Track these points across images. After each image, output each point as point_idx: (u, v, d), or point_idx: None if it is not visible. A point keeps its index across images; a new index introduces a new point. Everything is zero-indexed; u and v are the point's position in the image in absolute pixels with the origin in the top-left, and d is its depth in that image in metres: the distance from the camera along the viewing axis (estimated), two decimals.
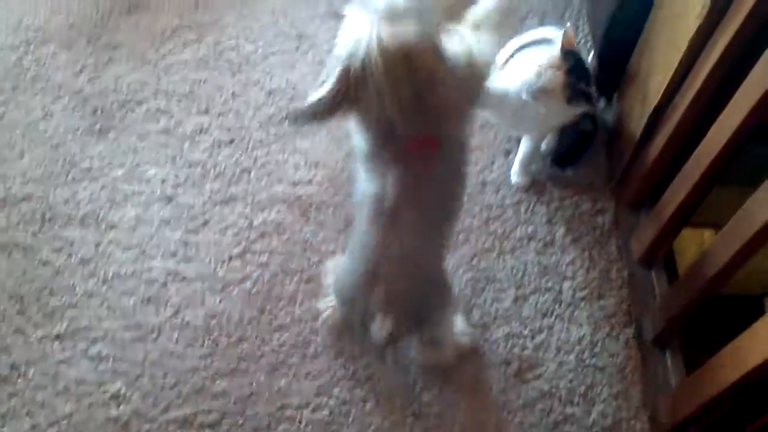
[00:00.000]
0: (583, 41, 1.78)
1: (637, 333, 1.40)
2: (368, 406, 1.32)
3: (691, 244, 1.44)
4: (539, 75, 1.37)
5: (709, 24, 1.20)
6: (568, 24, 1.59)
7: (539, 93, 1.37)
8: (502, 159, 1.61)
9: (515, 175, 1.57)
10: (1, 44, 1.75)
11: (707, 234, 1.43)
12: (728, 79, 1.18)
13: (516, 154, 1.57)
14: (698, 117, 1.28)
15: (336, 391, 1.33)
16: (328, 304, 1.35)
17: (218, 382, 1.33)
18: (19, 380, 1.32)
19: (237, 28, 1.80)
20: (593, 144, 1.60)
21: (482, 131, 1.64)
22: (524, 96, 1.38)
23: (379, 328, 1.11)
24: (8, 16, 1.80)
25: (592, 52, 1.66)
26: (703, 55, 1.23)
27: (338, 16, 1.79)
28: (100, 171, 1.57)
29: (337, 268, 1.29)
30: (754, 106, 1.07)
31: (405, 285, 1.11)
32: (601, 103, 1.67)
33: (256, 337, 1.38)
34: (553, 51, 1.38)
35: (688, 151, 1.28)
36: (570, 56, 1.38)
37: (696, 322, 1.32)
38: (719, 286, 1.17)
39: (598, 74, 1.59)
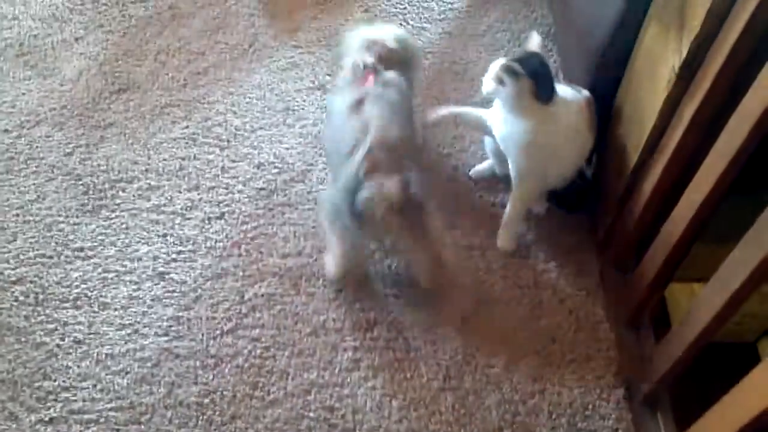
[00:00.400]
0: None
1: (627, 394, 1.41)
2: None
3: (682, 298, 1.46)
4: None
5: (677, 93, 1.25)
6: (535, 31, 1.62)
7: (486, 83, 1.47)
8: (488, 223, 1.64)
9: (500, 240, 1.60)
10: None
11: (696, 287, 1.45)
12: (701, 141, 1.22)
13: (502, 219, 1.61)
14: (674, 180, 1.31)
15: None
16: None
17: None
18: None
19: (225, 104, 1.85)
20: (588, 196, 1.65)
21: (470, 196, 1.68)
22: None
23: (375, 193, 1.29)
24: (2, 99, 1.85)
25: None
26: (674, 120, 1.27)
27: (324, 89, 1.87)
28: (92, 250, 1.59)
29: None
30: (723, 170, 1.11)
31: (393, 135, 1.37)
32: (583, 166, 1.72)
33: (249, 414, 1.38)
34: None
35: (667, 211, 1.31)
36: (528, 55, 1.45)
37: (688, 373, 1.32)
38: (701, 345, 1.18)
39: None
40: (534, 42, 1.49)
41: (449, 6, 2.09)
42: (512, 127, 1.49)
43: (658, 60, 1.30)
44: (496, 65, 1.45)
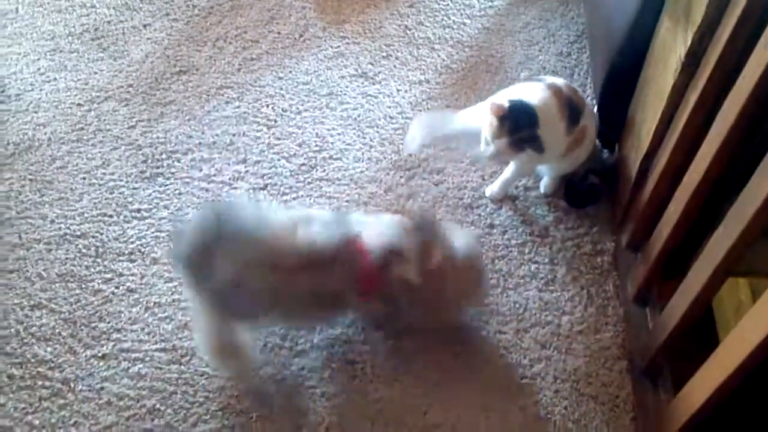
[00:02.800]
0: (590, 98, 1.92)
1: (631, 365, 1.50)
2: (377, 425, 1.44)
3: (726, 293, 1.49)
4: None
5: (683, 80, 1.34)
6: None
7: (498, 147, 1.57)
8: (510, 204, 1.74)
9: (490, 191, 1.76)
10: (70, 103, 1.99)
11: (741, 281, 1.51)
12: (705, 126, 1.30)
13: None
14: (681, 163, 1.40)
15: (347, 410, 1.46)
16: None
17: (242, 400, 1.48)
18: (69, 394, 1.49)
19: (274, 88, 2.01)
20: (601, 195, 1.74)
21: (490, 179, 1.78)
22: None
23: None
24: (77, 77, 2.05)
25: (596, 107, 1.80)
26: (681, 106, 1.36)
27: (365, 77, 2.00)
28: (147, 212, 1.76)
29: None
30: (716, 153, 1.19)
31: None
32: (605, 153, 1.81)
33: (277, 362, 1.52)
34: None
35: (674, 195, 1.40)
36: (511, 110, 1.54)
37: (692, 357, 1.40)
38: (693, 315, 1.27)
39: (600, 127, 1.73)
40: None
41: (489, 3, 2.21)
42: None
43: (670, 51, 1.40)
44: (497, 142, 1.55)
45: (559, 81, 1.64)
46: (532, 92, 1.58)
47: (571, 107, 1.60)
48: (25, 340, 1.56)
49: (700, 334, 1.44)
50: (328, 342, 1.55)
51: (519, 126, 1.53)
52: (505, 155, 1.59)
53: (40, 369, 1.52)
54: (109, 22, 2.21)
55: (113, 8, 2.25)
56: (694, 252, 1.48)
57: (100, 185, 1.82)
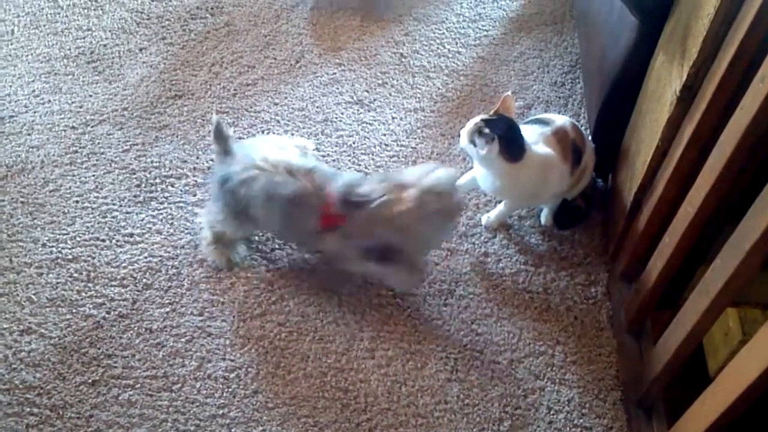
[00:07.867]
0: (585, 127, 1.94)
1: (624, 396, 1.49)
2: None
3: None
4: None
5: (679, 114, 1.35)
6: (510, 92, 1.67)
7: (463, 137, 1.60)
8: (504, 233, 1.75)
9: (486, 221, 1.76)
10: (64, 125, 1.99)
11: (730, 311, 1.51)
12: (700, 159, 1.31)
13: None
14: (676, 195, 1.41)
15: None
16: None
17: (234, 430, 1.46)
18: (57, 421, 1.46)
19: (270, 113, 2.01)
20: (586, 216, 1.76)
21: (485, 208, 1.79)
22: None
23: None
24: (72, 100, 2.05)
25: (590, 137, 1.81)
26: (676, 139, 1.37)
27: (361, 104, 2.01)
28: (140, 237, 1.75)
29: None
30: (711, 186, 1.20)
31: None
32: (599, 183, 1.82)
33: (269, 390, 1.51)
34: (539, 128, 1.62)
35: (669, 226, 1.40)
36: (500, 118, 1.56)
37: (686, 392, 1.40)
38: (688, 348, 1.26)
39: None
40: (507, 104, 1.59)
41: (485, 33, 2.23)
42: (490, 182, 1.64)
43: (665, 84, 1.41)
44: (471, 123, 1.58)
45: (566, 122, 1.65)
46: (537, 140, 1.61)
47: (575, 151, 1.62)
48: (14, 366, 1.53)
49: (690, 361, 1.43)
50: (320, 371, 1.53)
51: (491, 124, 1.55)
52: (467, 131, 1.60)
53: (28, 395, 1.49)
54: (104, 46, 2.21)
55: (109, 31, 2.25)
56: (686, 283, 1.50)
57: (92, 209, 1.81)
